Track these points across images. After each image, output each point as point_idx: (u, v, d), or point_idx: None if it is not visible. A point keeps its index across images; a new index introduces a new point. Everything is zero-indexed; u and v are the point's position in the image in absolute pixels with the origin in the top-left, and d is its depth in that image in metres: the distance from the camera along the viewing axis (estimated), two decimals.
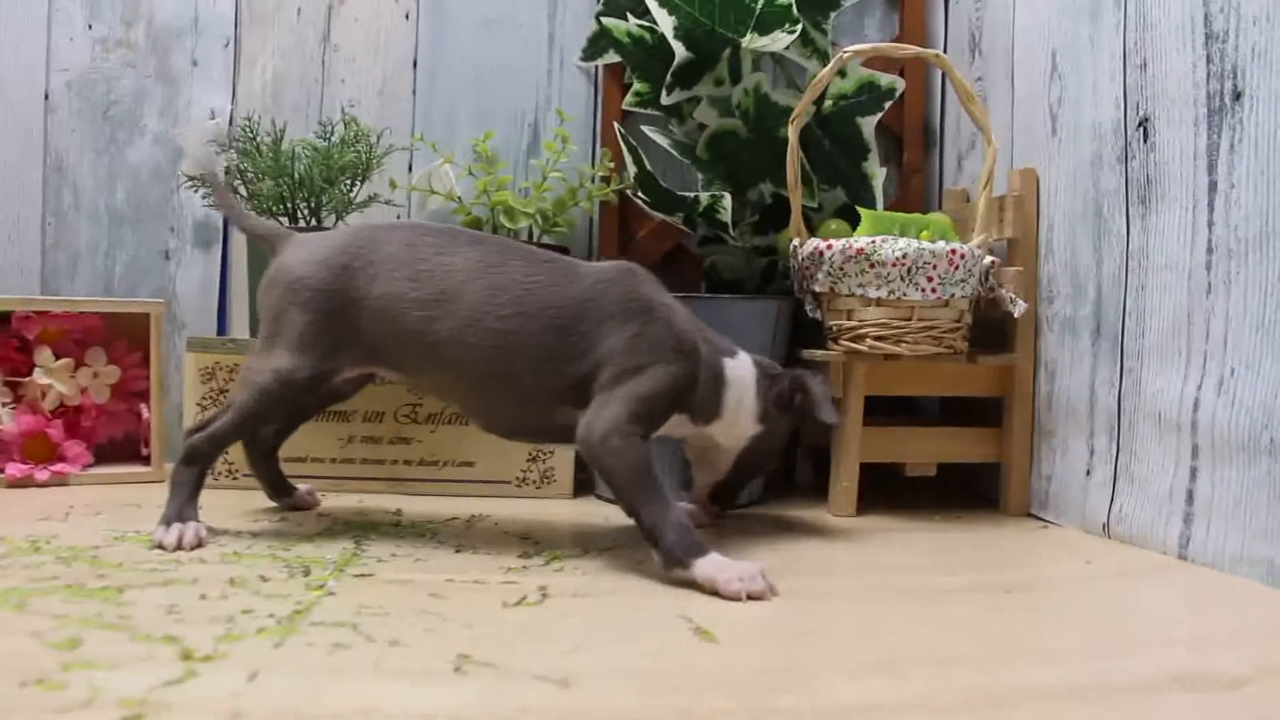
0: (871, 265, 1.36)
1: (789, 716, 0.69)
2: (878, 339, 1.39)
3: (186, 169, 1.66)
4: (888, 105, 1.63)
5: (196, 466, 1.21)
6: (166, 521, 1.15)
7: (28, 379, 1.56)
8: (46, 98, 1.75)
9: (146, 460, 1.58)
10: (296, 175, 1.52)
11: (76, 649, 0.77)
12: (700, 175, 1.66)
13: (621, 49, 1.64)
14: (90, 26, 1.76)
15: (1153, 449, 1.21)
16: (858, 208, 1.50)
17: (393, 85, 1.80)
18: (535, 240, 1.65)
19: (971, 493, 1.61)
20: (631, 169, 1.59)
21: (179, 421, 1.61)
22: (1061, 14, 1.41)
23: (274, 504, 1.39)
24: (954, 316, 1.40)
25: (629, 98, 1.69)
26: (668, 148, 1.62)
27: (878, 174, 1.63)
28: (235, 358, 1.50)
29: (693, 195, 1.54)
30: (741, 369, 1.25)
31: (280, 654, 0.78)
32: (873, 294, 1.37)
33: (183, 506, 1.18)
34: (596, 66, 1.81)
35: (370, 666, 0.76)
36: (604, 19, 1.65)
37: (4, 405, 1.54)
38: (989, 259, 1.42)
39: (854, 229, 1.51)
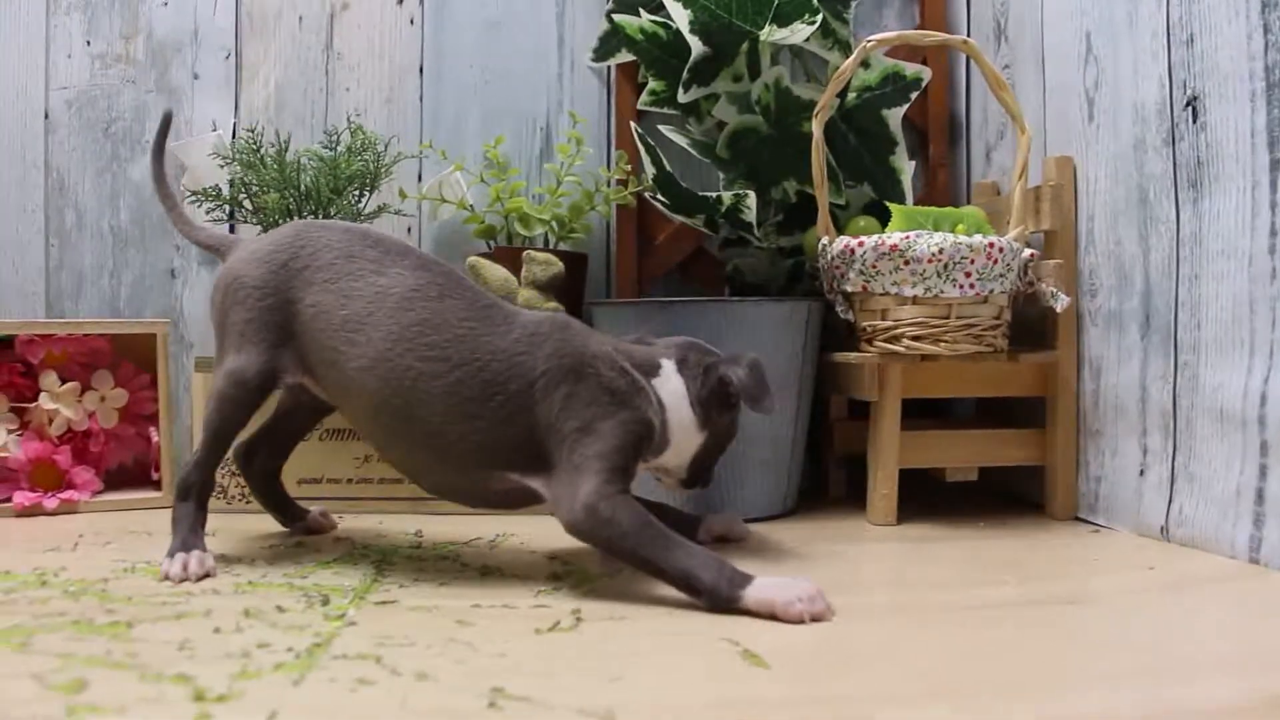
0: (906, 262, 1.30)
1: None
2: (915, 339, 1.33)
3: (189, 184, 1.61)
4: (914, 96, 1.57)
5: (191, 500, 1.15)
6: (170, 554, 1.10)
7: (34, 404, 1.51)
8: (46, 116, 1.71)
9: (158, 485, 1.53)
10: (303, 186, 1.47)
11: (81, 692, 0.72)
12: (721, 175, 1.60)
13: (635, 46, 1.59)
14: (89, 43, 1.72)
15: (1215, 447, 1.14)
16: (887, 203, 1.44)
17: (399, 92, 1.75)
18: (552, 248, 1.60)
19: (1011, 496, 1.55)
20: (650, 170, 1.53)
21: (190, 444, 1.56)
22: None
23: (287, 530, 1.34)
24: (993, 313, 1.34)
25: (644, 97, 1.64)
26: (686, 147, 1.56)
27: (906, 168, 1.57)
28: None
29: (714, 196, 1.49)
30: (670, 383, 1.13)
31: (300, 692, 0.73)
32: (908, 292, 1.31)
33: (186, 539, 1.12)
34: (609, 66, 1.75)
35: (397, 705, 0.70)
36: (616, 16, 1.60)
37: (10, 432, 1.49)
38: (1028, 252, 1.36)
39: (883, 226, 1.45)
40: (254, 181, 1.47)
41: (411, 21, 1.75)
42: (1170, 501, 1.22)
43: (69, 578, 1.07)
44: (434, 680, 0.75)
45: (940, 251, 1.29)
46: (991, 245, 1.29)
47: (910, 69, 1.55)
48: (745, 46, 1.52)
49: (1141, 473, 1.27)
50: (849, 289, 1.36)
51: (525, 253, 1.44)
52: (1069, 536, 1.30)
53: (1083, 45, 1.38)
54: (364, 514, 1.45)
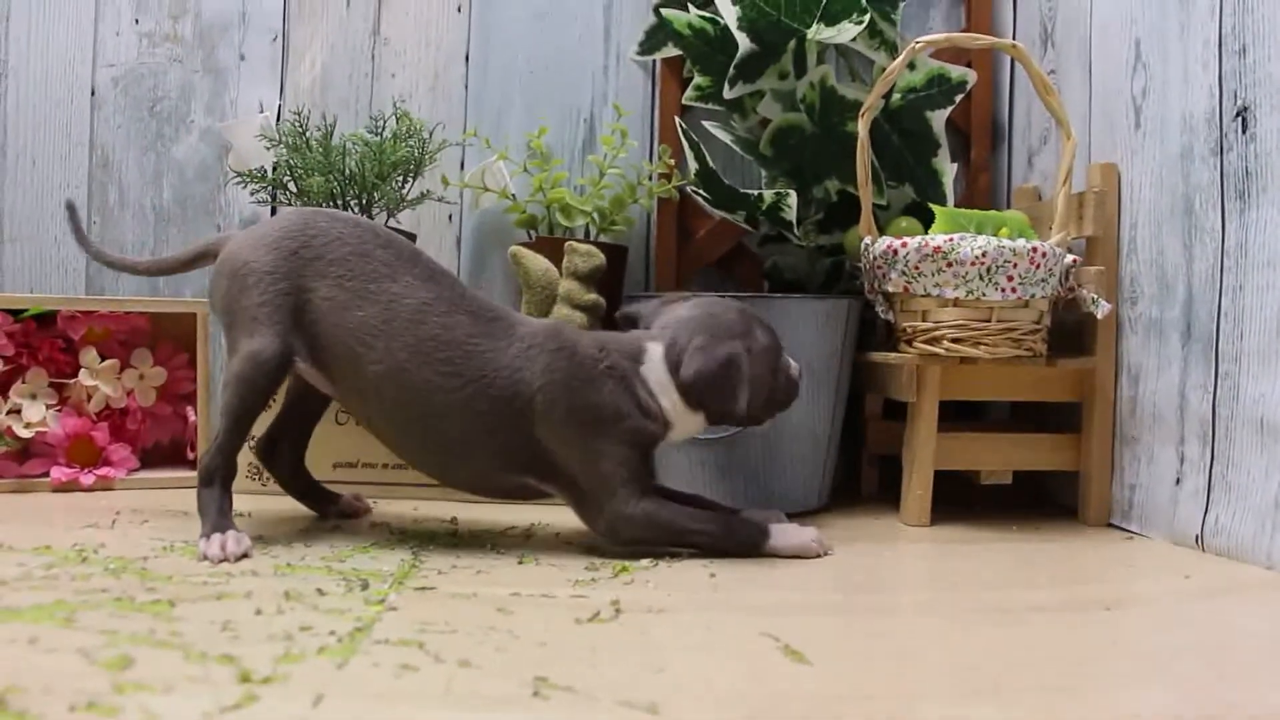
0: (949, 264, 1.30)
1: None
2: (955, 341, 1.33)
3: (234, 165, 1.62)
4: (959, 99, 1.56)
5: (216, 485, 1.15)
6: (206, 535, 1.11)
7: (73, 380, 1.53)
8: (93, 93, 1.72)
9: (193, 465, 1.54)
10: (347, 171, 1.47)
11: (128, 669, 0.73)
12: (763, 172, 1.60)
13: (682, 41, 1.58)
14: (137, 21, 1.72)
15: (1254, 457, 1.14)
16: (931, 205, 1.44)
17: (444, 79, 1.76)
18: (593, 239, 1.60)
19: (1044, 500, 1.54)
20: (693, 165, 1.53)
21: None
22: (1146, 2, 1.34)
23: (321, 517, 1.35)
24: (1034, 318, 1.34)
25: (689, 92, 1.64)
26: (729, 143, 1.55)
27: (948, 170, 1.57)
28: None
29: (756, 193, 1.48)
30: (655, 371, 1.17)
31: (345, 676, 0.73)
32: (950, 294, 1.31)
33: (217, 521, 1.12)
34: (654, 60, 1.75)
35: (442, 690, 0.71)
36: (664, 10, 1.60)
37: (49, 407, 1.50)
38: (1070, 258, 1.35)
39: (925, 227, 1.45)
40: (299, 164, 1.48)
41: (459, 9, 1.75)
42: (1206, 510, 1.21)
43: (108, 555, 1.08)
44: (477, 668, 0.76)
45: (984, 255, 1.28)
46: (1035, 250, 1.29)
47: (955, 71, 1.55)
48: (792, 44, 1.51)
49: (1178, 481, 1.27)
50: (890, 289, 1.36)
51: (567, 244, 1.45)
52: (1102, 543, 1.29)
53: (1131, 52, 1.37)
54: (399, 499, 1.46)
